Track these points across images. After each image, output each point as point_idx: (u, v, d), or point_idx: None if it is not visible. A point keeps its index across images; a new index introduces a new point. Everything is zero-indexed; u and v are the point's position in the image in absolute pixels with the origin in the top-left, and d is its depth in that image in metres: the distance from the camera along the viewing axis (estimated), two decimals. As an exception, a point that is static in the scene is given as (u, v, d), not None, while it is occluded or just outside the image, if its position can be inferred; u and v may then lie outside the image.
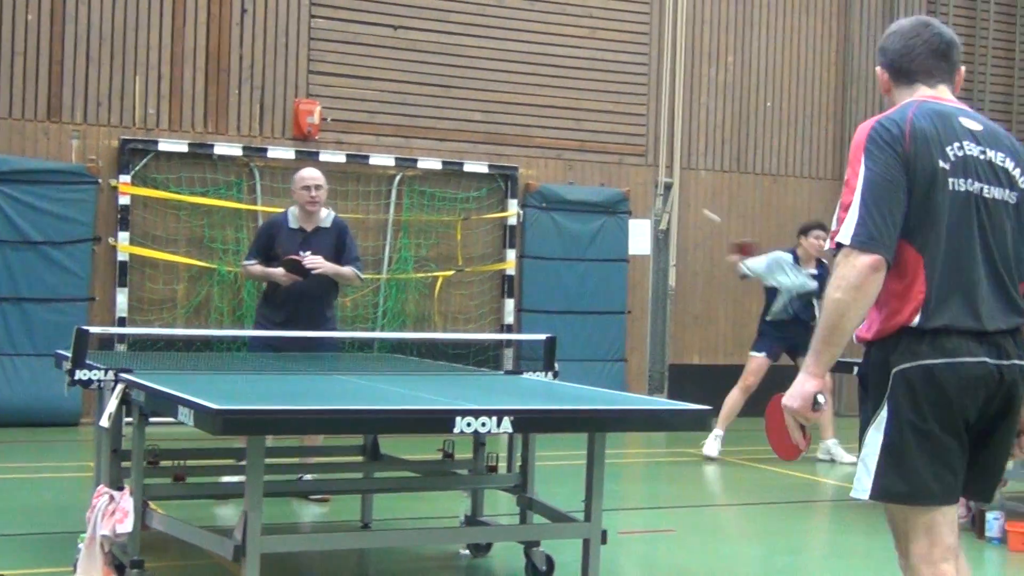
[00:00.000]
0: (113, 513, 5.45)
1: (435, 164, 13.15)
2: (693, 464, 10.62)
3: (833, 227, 3.65)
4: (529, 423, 5.09)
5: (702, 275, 14.35)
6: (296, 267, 8.17)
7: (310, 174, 8.44)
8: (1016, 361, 3.71)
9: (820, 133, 15.26)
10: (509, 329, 13.40)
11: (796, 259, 10.80)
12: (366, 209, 12.93)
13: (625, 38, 14.23)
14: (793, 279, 10.72)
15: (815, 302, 10.64)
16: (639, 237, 14.18)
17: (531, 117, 13.76)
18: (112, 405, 5.54)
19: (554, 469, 8.58)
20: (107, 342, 11.13)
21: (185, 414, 4.62)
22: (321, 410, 4.75)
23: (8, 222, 11.55)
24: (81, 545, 5.60)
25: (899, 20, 4.03)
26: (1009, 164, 3.79)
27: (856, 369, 8.92)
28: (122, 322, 11.82)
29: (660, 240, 14.42)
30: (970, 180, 3.69)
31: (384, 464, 7.30)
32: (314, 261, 8.19)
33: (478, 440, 6.61)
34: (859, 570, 7.06)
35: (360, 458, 7.38)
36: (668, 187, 14.38)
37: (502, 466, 6.61)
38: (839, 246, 3.60)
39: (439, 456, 6.92)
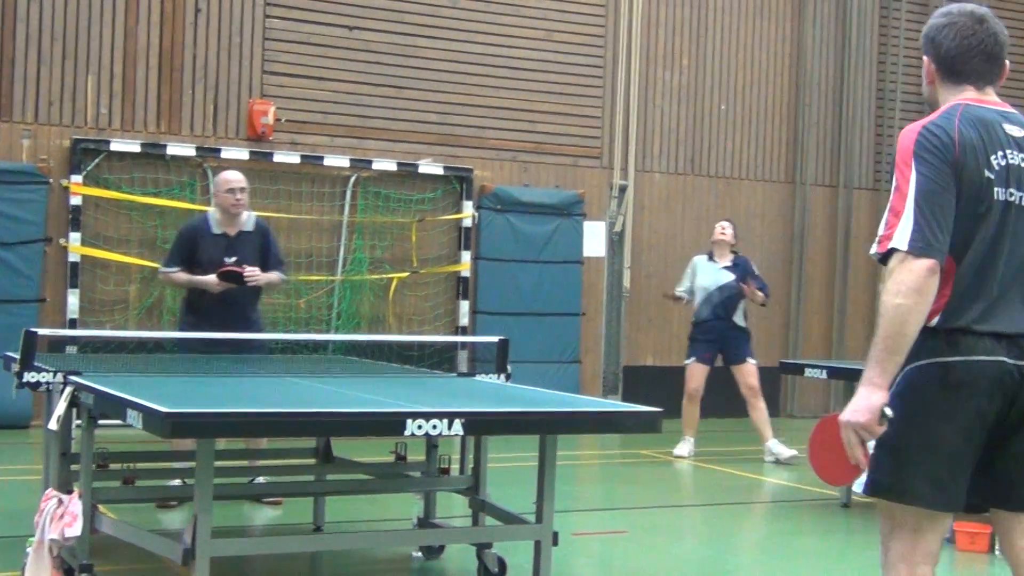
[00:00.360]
0: (62, 517, 5.41)
1: (390, 165, 13.13)
2: (647, 465, 10.66)
3: (882, 231, 3.60)
4: (480, 425, 5.10)
5: (656, 277, 14.40)
6: (233, 277, 8.07)
7: (234, 176, 8.33)
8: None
9: (774, 136, 15.34)
10: (464, 331, 13.40)
11: (711, 256, 11.12)
12: (320, 210, 12.89)
13: (580, 40, 14.26)
14: (707, 276, 11.02)
15: (741, 304, 10.95)
16: (594, 239, 14.22)
17: (486, 119, 13.76)
18: (61, 408, 5.49)
19: (507, 471, 8.58)
20: (59, 344, 11.03)
21: (134, 417, 4.59)
22: (272, 413, 4.73)
23: (-43, 222, 11.45)
24: (29, 549, 5.54)
25: (949, 7, 3.87)
26: None
27: (825, 371, 9.10)
28: (73, 324, 11.72)
29: (615, 242, 14.45)
30: (1010, 190, 3.67)
31: (336, 466, 7.28)
32: (252, 273, 8.11)
33: (430, 442, 6.61)
34: (811, 571, 7.11)
35: (312, 460, 7.36)
36: (623, 189, 14.42)
37: (455, 468, 6.61)
38: (891, 251, 3.55)
39: (392, 458, 6.92)
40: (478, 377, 7.11)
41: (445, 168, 13.42)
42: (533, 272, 13.75)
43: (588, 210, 14.17)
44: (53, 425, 5.58)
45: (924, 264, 3.49)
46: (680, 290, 11.27)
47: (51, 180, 11.81)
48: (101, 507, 5.74)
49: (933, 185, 3.56)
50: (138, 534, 5.41)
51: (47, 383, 5.82)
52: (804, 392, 15.26)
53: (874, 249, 3.63)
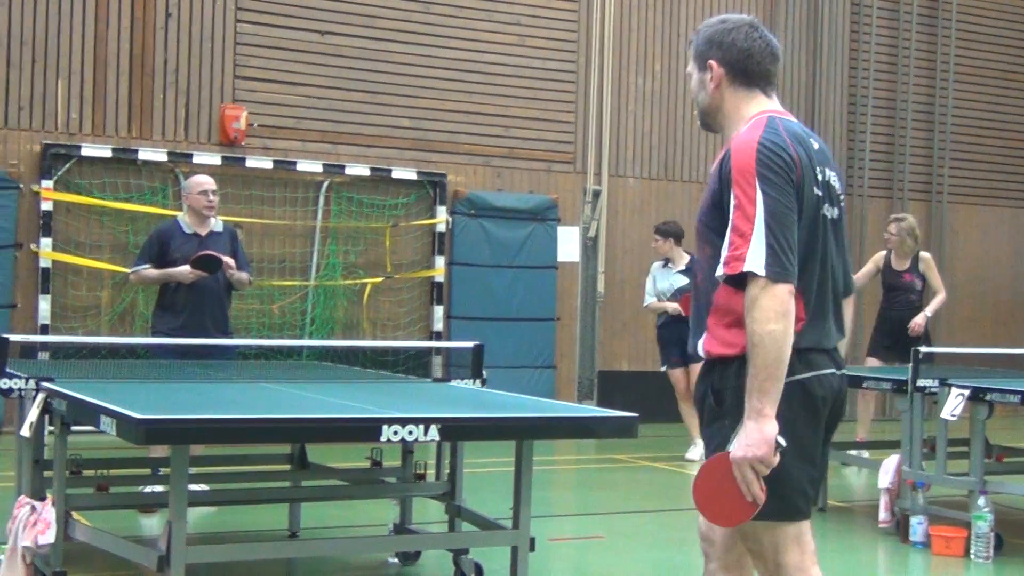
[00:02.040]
0: (35, 524, 5.36)
1: (363, 170, 13.10)
2: (623, 470, 10.66)
3: (727, 252, 3.52)
4: (456, 431, 5.08)
5: (631, 282, 14.40)
6: (207, 263, 8.22)
7: (206, 179, 8.61)
8: (845, 371, 3.83)
9: (746, 141, 15.36)
10: (438, 336, 13.38)
11: (667, 262, 11.19)
12: (293, 215, 12.85)
13: (553, 45, 14.27)
14: (664, 281, 11.11)
15: None
16: (568, 244, 14.22)
17: (459, 124, 13.75)
18: (33, 414, 5.45)
19: (483, 476, 8.57)
20: (30, 350, 10.94)
21: (107, 423, 4.55)
22: (246, 419, 4.70)
23: (-73, 228, 11.36)
24: (2, 556, 5.50)
25: (722, 16, 3.90)
26: (835, 181, 3.80)
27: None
28: (45, 329, 11.64)
29: (589, 247, 14.46)
30: (828, 205, 3.72)
31: (312, 472, 7.25)
32: (227, 260, 8.31)
33: (406, 448, 6.59)
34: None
35: (287, 466, 7.33)
36: (596, 194, 14.43)
37: (430, 474, 6.59)
38: (747, 275, 3.48)
39: (367, 464, 6.89)
40: (453, 382, 7.09)
41: (418, 173, 13.40)
42: (507, 277, 13.74)
43: (562, 215, 14.18)
44: (25, 432, 5.54)
45: (785, 288, 3.47)
46: (650, 300, 11.25)
47: (21, 185, 11.74)
48: (75, 514, 5.70)
49: (781, 207, 3.52)
50: (113, 541, 5.37)
51: (19, 389, 5.78)
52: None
53: (720, 271, 3.55)
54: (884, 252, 11.16)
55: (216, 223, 8.60)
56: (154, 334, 8.58)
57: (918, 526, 7.53)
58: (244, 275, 8.55)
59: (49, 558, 5.41)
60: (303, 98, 12.98)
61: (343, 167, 13.00)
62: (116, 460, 6.84)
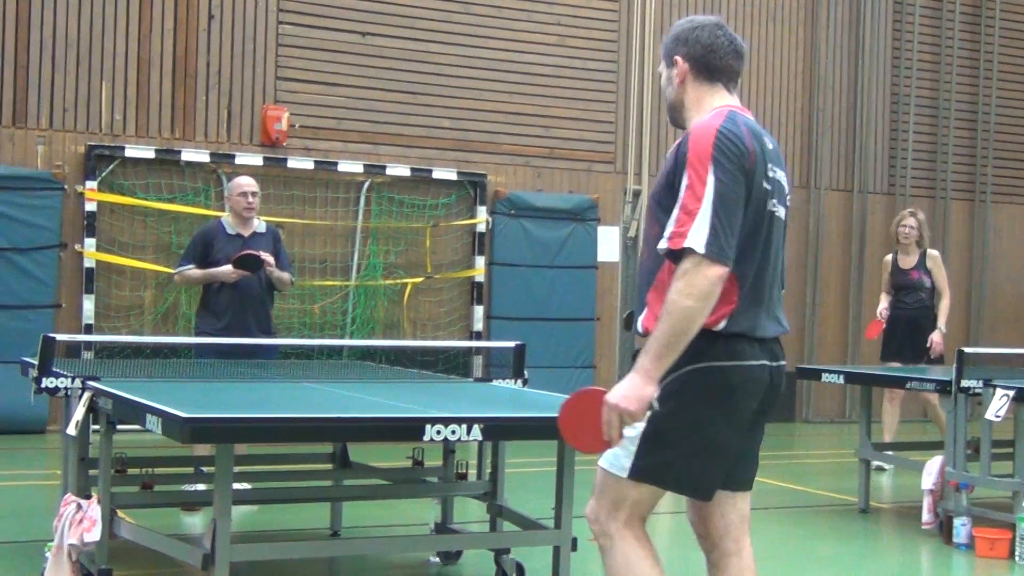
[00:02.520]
0: (81, 522, 5.41)
1: (404, 171, 13.13)
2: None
3: (672, 228, 3.66)
4: (499, 431, 5.10)
5: (671, 282, 14.32)
6: (248, 262, 8.28)
7: (247, 181, 8.62)
8: (781, 363, 3.97)
9: (788, 140, 15.31)
10: (478, 336, 13.40)
11: None
12: (335, 216, 12.90)
13: (594, 45, 14.26)
14: None
15: None
16: (608, 244, 14.20)
17: (500, 124, 13.76)
18: (79, 413, 5.51)
19: (524, 476, 8.57)
20: (74, 349, 11.05)
21: (153, 422, 4.59)
22: (290, 418, 4.73)
23: (-27, 229, 11.48)
24: (48, 554, 5.55)
25: (689, 17, 4.08)
26: (784, 182, 3.98)
27: (842, 376, 9.04)
28: (89, 329, 11.73)
29: (629, 247, 14.42)
30: (775, 201, 3.87)
31: (353, 472, 7.27)
32: (268, 258, 8.35)
33: (448, 447, 6.60)
34: (827, 575, 7.08)
35: (329, 466, 7.36)
36: (637, 194, 14.38)
37: (472, 473, 6.59)
38: (685, 251, 3.61)
39: (409, 464, 6.91)
40: (494, 382, 7.10)
41: (459, 173, 13.42)
42: (547, 277, 13.74)
43: (602, 215, 14.16)
44: (72, 430, 5.59)
45: (717, 271, 3.61)
46: None
47: (66, 186, 11.85)
48: (120, 512, 5.75)
49: (730, 192, 3.67)
50: (157, 539, 5.41)
51: (65, 388, 5.82)
52: (820, 397, 15.22)
53: (664, 245, 3.69)
54: (890, 255, 10.90)
55: (259, 224, 8.65)
56: (198, 334, 8.64)
57: (962, 528, 7.47)
58: (286, 275, 8.60)
59: (94, 555, 5.46)
60: (344, 99, 13.03)
61: (384, 167, 13.04)
62: (160, 459, 6.88)
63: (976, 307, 16.31)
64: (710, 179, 3.66)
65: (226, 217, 8.67)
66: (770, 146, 3.90)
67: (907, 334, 10.65)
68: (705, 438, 3.79)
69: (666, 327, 3.61)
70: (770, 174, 3.84)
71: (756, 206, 3.77)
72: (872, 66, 15.69)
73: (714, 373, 3.76)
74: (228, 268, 8.31)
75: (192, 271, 8.51)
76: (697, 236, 3.60)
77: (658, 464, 3.82)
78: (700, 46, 3.96)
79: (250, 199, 8.50)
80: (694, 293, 3.58)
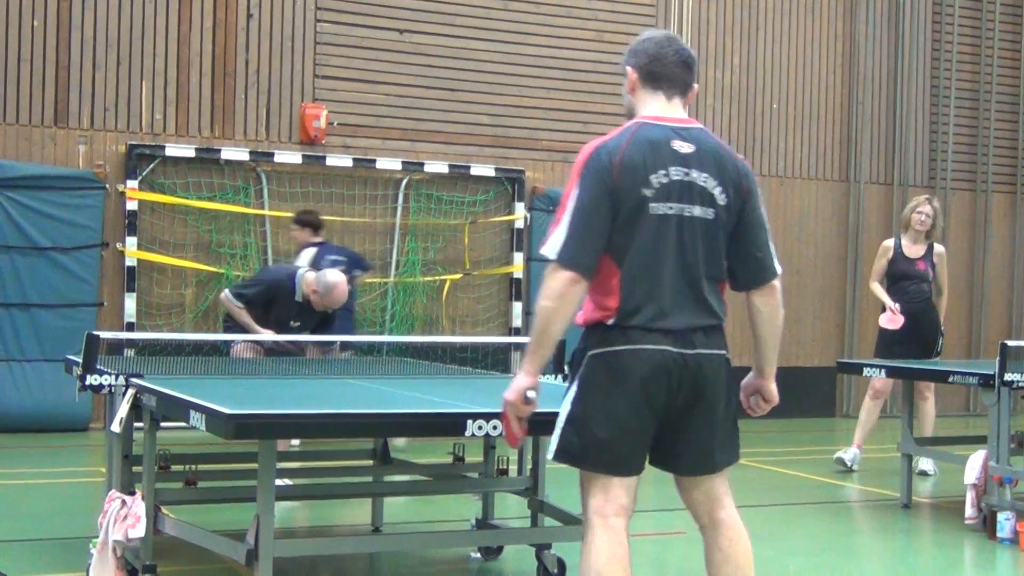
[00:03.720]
0: (125, 518, 5.46)
1: (442, 168, 13.15)
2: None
3: (547, 235, 4.12)
4: (540, 425, 5.08)
5: (709, 277, 14.30)
6: (278, 351, 8.42)
7: (328, 287, 8.45)
8: (702, 351, 4.17)
9: (827, 134, 15.24)
10: (517, 332, 13.40)
11: None
12: (373, 213, 12.93)
13: (631, 41, 14.17)
14: None
15: None
16: (646, 239, 14.15)
17: (538, 120, 13.76)
18: (123, 410, 5.54)
19: (565, 472, 8.56)
20: (115, 347, 11.11)
21: (197, 419, 4.63)
22: (332, 414, 4.76)
23: (16, 228, 11.58)
24: (93, 550, 5.60)
25: (649, 31, 4.46)
26: (711, 183, 4.17)
27: (883, 370, 8.92)
28: (131, 327, 11.81)
29: (667, 242, 14.38)
30: (671, 204, 4.11)
31: (394, 467, 7.30)
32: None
33: (488, 443, 6.61)
34: (871, 571, 7.05)
35: (370, 462, 7.38)
36: (675, 189, 14.35)
37: (513, 469, 6.59)
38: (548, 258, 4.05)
39: (449, 459, 6.92)
40: (535, 378, 7.08)
41: (497, 170, 13.43)
42: (585, 273, 13.70)
43: (640, 210, 14.11)
44: (116, 427, 5.64)
45: (567, 275, 4.02)
46: None
47: (107, 185, 11.94)
48: (164, 508, 5.79)
49: (587, 205, 4.05)
50: (201, 535, 5.44)
51: (109, 386, 5.87)
52: (861, 391, 15.06)
53: (541, 248, 4.09)
54: (892, 240, 10.42)
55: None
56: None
57: (1005, 522, 7.42)
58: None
59: (139, 551, 5.50)
60: (383, 96, 13.07)
61: (422, 164, 13.07)
62: (203, 455, 6.92)
63: (1019, 302, 16.18)
64: (573, 193, 4.08)
65: (299, 278, 8.60)
66: (687, 151, 4.13)
67: (909, 328, 10.09)
68: (609, 418, 4.10)
69: (534, 326, 4.12)
70: (660, 179, 4.08)
71: (629, 212, 4.06)
72: (912, 58, 15.58)
73: (609, 357, 4.10)
74: (268, 336, 8.34)
75: (243, 315, 8.53)
76: (554, 244, 4.06)
77: (570, 444, 4.18)
78: (646, 56, 4.33)
79: (323, 300, 8.47)
80: (550, 295, 4.02)
